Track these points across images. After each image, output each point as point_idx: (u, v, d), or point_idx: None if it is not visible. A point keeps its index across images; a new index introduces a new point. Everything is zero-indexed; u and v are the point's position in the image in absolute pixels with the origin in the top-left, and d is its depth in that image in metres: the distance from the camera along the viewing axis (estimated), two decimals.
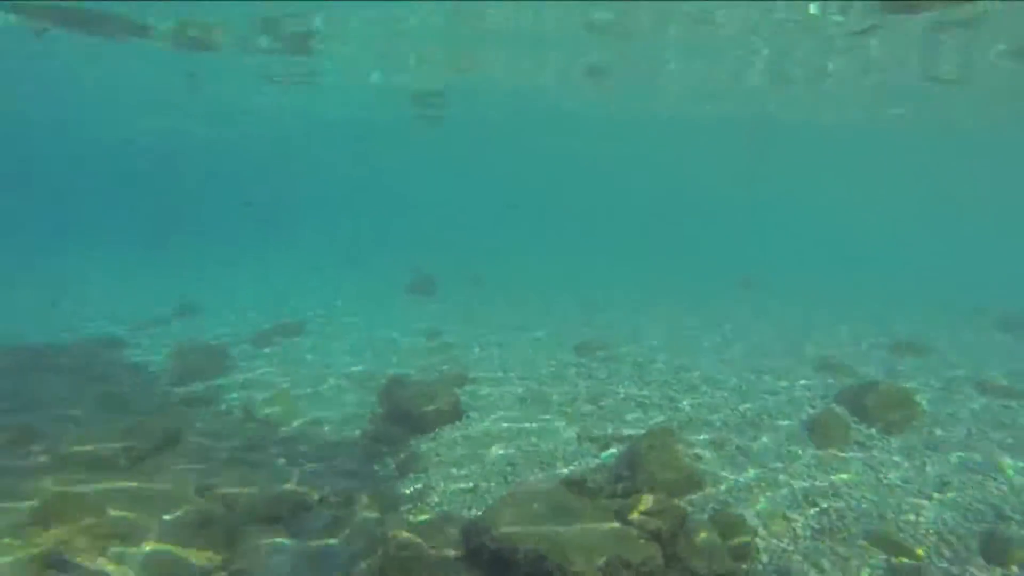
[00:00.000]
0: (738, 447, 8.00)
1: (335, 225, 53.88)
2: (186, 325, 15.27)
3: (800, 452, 7.79)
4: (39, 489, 5.80)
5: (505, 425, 8.83)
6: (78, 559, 4.92)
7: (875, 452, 7.69)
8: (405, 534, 5.35)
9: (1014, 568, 5.38)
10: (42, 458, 6.81)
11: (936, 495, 6.65)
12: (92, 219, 55.88)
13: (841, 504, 6.47)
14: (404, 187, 68.61)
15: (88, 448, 6.85)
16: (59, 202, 73.83)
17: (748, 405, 9.46)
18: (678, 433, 8.05)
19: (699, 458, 7.70)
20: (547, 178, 50.99)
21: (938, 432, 8.37)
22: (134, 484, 5.93)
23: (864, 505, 6.44)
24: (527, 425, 8.83)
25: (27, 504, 5.39)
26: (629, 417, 9.12)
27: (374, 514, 6.37)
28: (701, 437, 8.31)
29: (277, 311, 16.97)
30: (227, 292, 20.16)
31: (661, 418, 9.05)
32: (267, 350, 12.90)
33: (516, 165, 45.36)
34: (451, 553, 5.77)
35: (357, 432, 8.78)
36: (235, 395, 10.20)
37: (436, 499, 6.92)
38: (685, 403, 9.68)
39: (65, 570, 4.84)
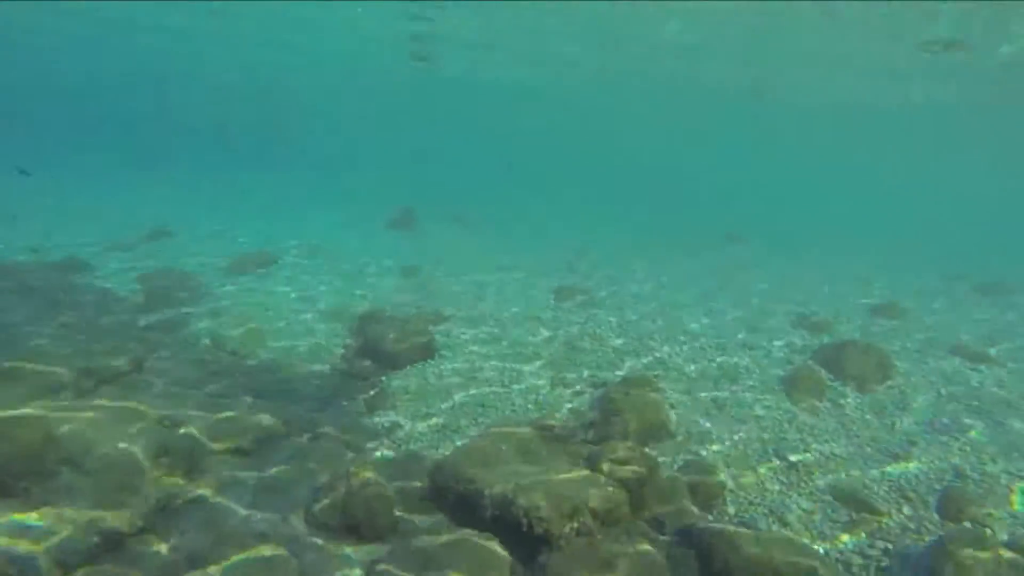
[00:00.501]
0: (713, 399, 7.99)
1: (324, 160, 52.62)
2: (157, 250, 14.85)
3: (774, 406, 7.80)
4: None
5: (478, 365, 8.73)
6: (23, 483, 4.76)
7: (848, 410, 7.73)
8: (368, 473, 5.25)
9: (966, 524, 5.47)
10: None
11: (902, 453, 6.71)
12: (69, 135, 53.96)
13: (810, 459, 6.50)
14: (394, 124, 67.18)
15: (40, 369, 6.60)
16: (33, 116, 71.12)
17: (726, 358, 9.45)
18: (653, 382, 8.01)
19: (673, 407, 7.69)
20: (540, 124, 50.04)
21: (909, 392, 8.42)
22: (89, 409, 5.72)
23: (832, 463, 6.47)
24: (500, 366, 8.74)
25: None
26: (604, 363, 9.06)
27: (340, 449, 6.28)
28: (676, 386, 8.29)
29: (254, 241, 16.58)
30: (204, 219, 19.63)
31: (637, 365, 9.00)
32: (241, 279, 12.61)
33: (508, 111, 44.43)
34: (416, 493, 5.71)
35: (327, 367, 8.63)
36: (203, 324, 9.95)
37: (403, 436, 6.84)
38: (662, 352, 9.64)
39: (10, 494, 4.69)
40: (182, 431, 5.84)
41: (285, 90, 43.04)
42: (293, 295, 11.83)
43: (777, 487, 5.97)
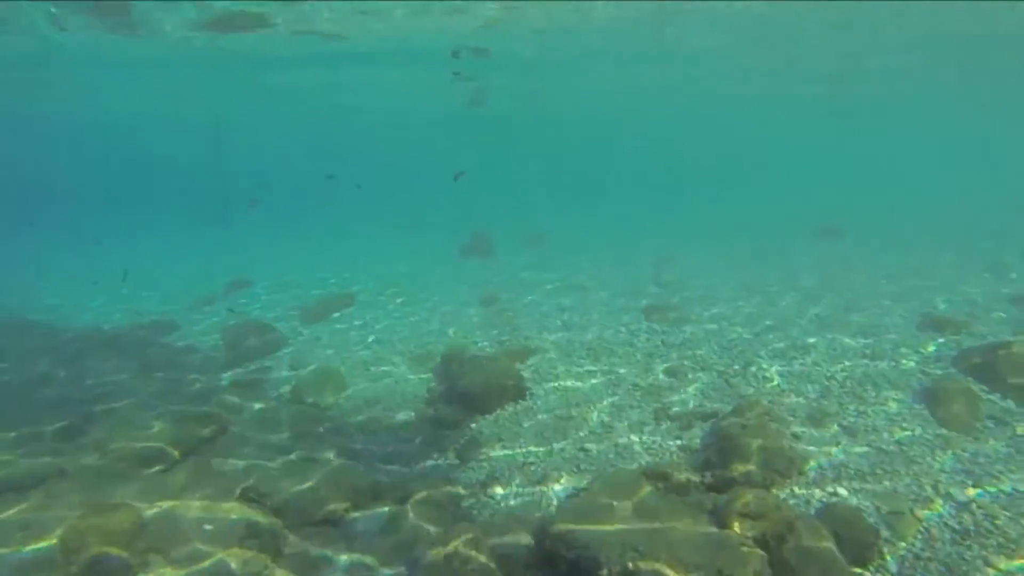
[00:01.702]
0: (842, 425, 7.09)
1: (390, 191, 53.80)
2: (237, 301, 15.17)
3: (919, 429, 6.82)
4: (82, 490, 5.52)
5: (573, 403, 8.16)
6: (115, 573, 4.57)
7: (1020, 430, 6.63)
8: (468, 548, 4.77)
9: None
10: (89, 456, 6.57)
11: None
12: (149, 200, 57.44)
13: (985, 496, 5.52)
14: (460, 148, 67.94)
15: (134, 446, 6.57)
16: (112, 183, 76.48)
17: (846, 373, 8.47)
18: (769, 409, 7.20)
19: (797, 438, 6.85)
20: (615, 129, 49.24)
21: None
22: (176, 488, 5.56)
23: (1020, 501, 5.45)
24: (598, 403, 8.13)
25: (66, 513, 5.10)
26: (710, 390, 8.30)
27: (433, 513, 5.85)
28: (796, 413, 7.43)
29: (328, 282, 16.73)
30: (280, 266, 20.07)
31: (748, 390, 8.19)
32: (318, 325, 12.60)
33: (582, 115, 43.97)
34: (520, 558, 5.19)
35: (412, 414, 8.29)
36: (284, 375, 9.91)
37: (500, 492, 6.35)
38: (772, 371, 8.76)
39: None
40: (267, 507, 5.57)
41: (344, 131, 44.19)
42: (371, 337, 11.67)
43: (948, 535, 5.05)
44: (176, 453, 6.63)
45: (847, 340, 9.82)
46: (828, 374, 8.50)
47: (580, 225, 28.63)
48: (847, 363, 8.84)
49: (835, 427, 7.07)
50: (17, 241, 27.85)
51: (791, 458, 6.38)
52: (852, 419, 7.19)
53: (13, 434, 7.14)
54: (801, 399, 7.83)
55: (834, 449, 6.60)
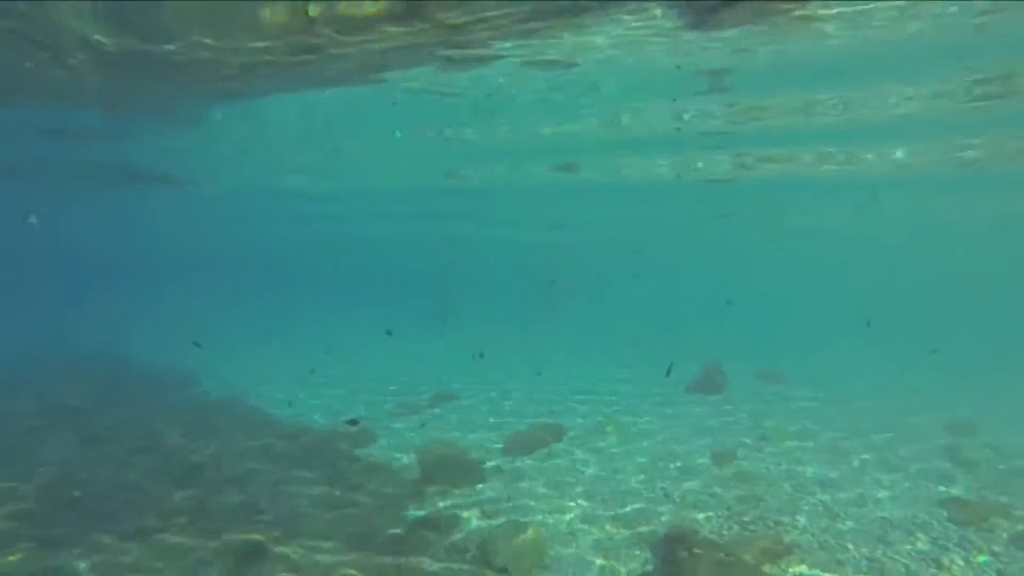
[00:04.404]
0: None
1: (609, 305, 53.41)
2: (440, 417, 14.71)
3: None
4: None
5: None
6: None
7: None
8: None
9: None
10: None
11: None
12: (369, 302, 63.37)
13: None
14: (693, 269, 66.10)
15: None
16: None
17: None
18: None
19: None
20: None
21: None
22: None
23: None
24: None
25: None
26: None
27: None
28: None
29: (534, 410, 15.64)
30: (486, 383, 19.63)
31: None
32: (519, 465, 11.33)
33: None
34: None
35: None
36: (473, 524, 8.70)
37: None
38: None
39: None
40: None
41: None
42: (578, 489, 10.12)
43: None
44: None
45: None
46: None
47: (830, 362, 24.75)
48: None
49: None
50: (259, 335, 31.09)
51: None
52: None
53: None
54: None
55: None
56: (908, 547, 8.01)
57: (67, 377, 17.31)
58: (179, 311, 46.64)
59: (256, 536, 7.89)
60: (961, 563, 7.55)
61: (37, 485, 9.22)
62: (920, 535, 8.35)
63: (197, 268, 77.55)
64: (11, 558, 7.09)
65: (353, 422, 11.41)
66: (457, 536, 8.25)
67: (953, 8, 7.37)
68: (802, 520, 8.77)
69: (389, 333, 19.37)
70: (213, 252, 61.77)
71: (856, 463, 11.35)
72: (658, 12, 7.44)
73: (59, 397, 14.65)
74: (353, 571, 7.09)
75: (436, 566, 7.37)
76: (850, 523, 8.70)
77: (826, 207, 25.41)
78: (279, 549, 7.58)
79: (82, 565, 7.05)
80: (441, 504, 9.35)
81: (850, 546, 7.90)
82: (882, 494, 9.87)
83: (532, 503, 9.50)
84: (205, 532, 7.91)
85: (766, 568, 7.16)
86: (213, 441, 11.72)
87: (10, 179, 21.72)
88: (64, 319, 39.37)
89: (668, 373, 14.46)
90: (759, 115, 12.52)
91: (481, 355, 20.13)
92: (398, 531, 8.25)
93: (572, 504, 9.49)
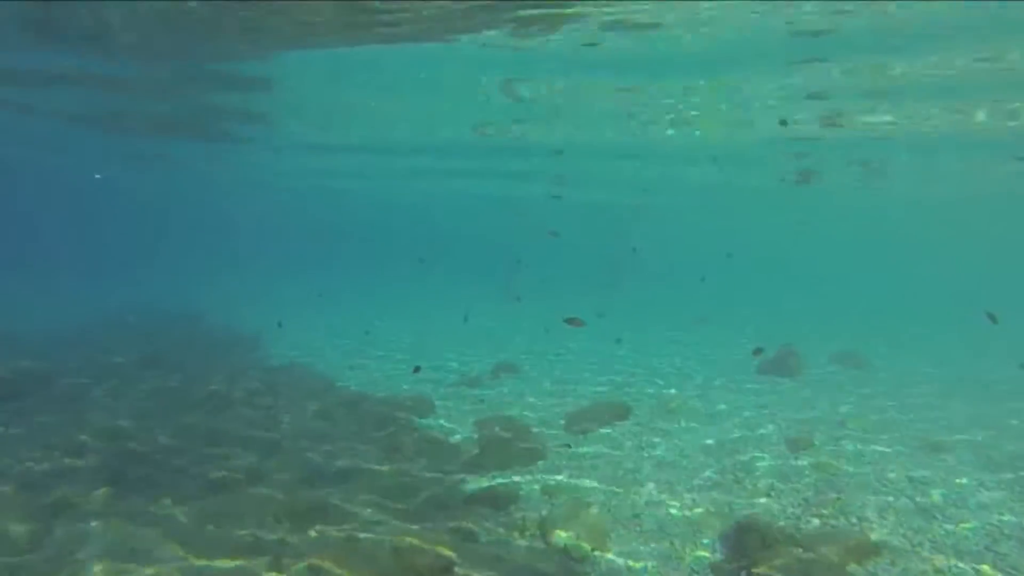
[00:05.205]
0: None
1: (688, 280, 52.05)
2: (503, 389, 14.49)
3: None
4: None
5: None
6: None
7: None
8: None
9: None
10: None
11: None
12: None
13: None
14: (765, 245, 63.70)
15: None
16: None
17: None
18: None
19: None
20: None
21: None
22: None
23: None
24: None
25: None
26: None
27: None
28: None
29: (602, 385, 15.23)
30: (548, 357, 19.33)
31: None
32: (583, 440, 11.00)
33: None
34: None
35: None
36: (534, 502, 8.42)
37: None
38: None
39: None
40: None
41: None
42: (643, 470, 9.70)
43: None
44: None
45: None
46: None
47: (911, 346, 23.22)
48: None
49: None
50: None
51: None
52: None
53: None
54: None
55: None
56: (1009, 543, 7.25)
57: (153, 335, 18.18)
58: (255, 274, 48.45)
59: (317, 494, 7.92)
60: None
61: (115, 431, 9.64)
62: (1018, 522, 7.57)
63: (281, 233, 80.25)
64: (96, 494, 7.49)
65: (416, 369, 12.54)
66: (517, 513, 8.00)
67: None
68: (891, 518, 8.09)
69: (466, 319, 19.32)
70: (296, 212, 63.41)
71: (951, 460, 10.45)
72: None
73: (148, 349, 15.40)
74: (414, 540, 6.91)
75: (493, 542, 7.12)
76: (949, 526, 7.95)
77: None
78: (337, 511, 7.53)
79: (164, 503, 7.25)
80: (499, 480, 9.11)
81: (950, 553, 7.20)
82: (985, 496, 9.01)
83: (594, 482, 9.15)
84: (268, 490, 8.00)
85: (851, 568, 6.58)
86: (276, 402, 11.95)
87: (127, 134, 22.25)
88: (156, 279, 41.88)
89: (756, 354, 13.91)
90: None
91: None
92: (455, 505, 8.07)
93: (636, 485, 9.09)
